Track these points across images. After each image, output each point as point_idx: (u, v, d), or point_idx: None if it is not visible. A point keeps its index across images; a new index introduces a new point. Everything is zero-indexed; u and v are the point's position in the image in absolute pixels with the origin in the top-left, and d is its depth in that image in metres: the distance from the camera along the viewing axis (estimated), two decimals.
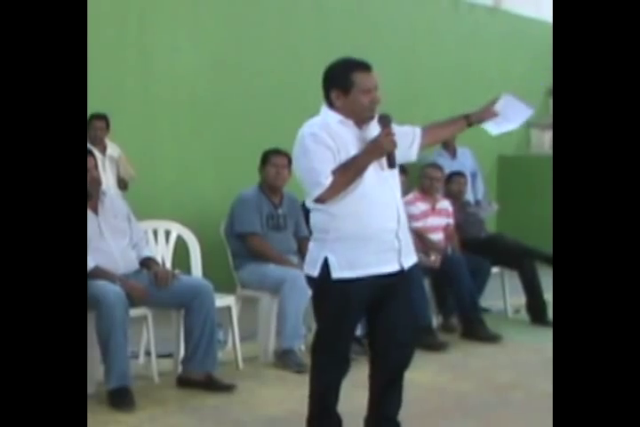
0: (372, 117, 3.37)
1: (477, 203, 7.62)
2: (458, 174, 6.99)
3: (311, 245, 3.43)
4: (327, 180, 3.24)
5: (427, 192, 6.32)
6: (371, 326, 3.52)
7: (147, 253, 4.66)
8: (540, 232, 9.48)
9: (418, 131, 3.54)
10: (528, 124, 10.45)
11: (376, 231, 3.31)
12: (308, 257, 3.43)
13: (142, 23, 6.75)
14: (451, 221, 6.42)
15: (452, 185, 6.83)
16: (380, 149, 3.29)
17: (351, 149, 3.30)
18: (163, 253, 5.08)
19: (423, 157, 8.43)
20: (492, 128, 3.58)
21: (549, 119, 10.61)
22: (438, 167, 6.51)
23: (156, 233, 5.11)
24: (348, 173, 3.26)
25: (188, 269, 5.07)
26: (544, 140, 10.63)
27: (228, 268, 5.36)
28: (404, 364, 3.49)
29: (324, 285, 3.38)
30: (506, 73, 9.96)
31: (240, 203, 5.33)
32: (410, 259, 3.45)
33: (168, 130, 6.92)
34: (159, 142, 6.90)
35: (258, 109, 7.15)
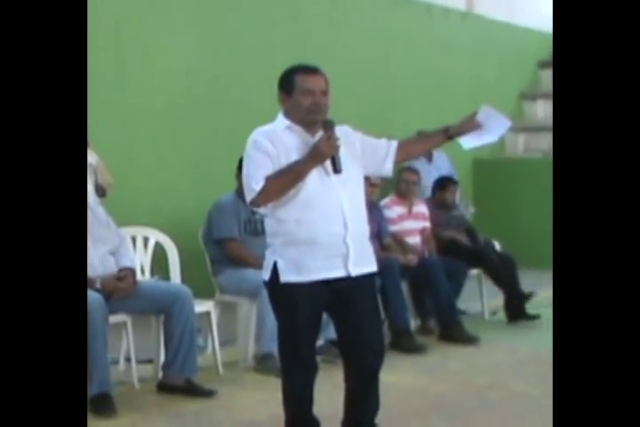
0: (316, 121, 3.36)
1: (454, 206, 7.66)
2: (449, 180, 6.92)
3: (267, 250, 3.48)
4: (258, 185, 3.29)
5: (403, 196, 6.37)
6: (338, 331, 3.53)
7: (126, 262, 4.64)
8: (516, 234, 9.58)
9: (394, 145, 3.53)
10: None
11: (321, 236, 3.32)
12: (264, 262, 3.48)
13: (118, 33, 6.75)
14: (427, 224, 6.47)
15: (447, 194, 6.77)
16: (320, 154, 3.27)
17: (294, 155, 3.32)
18: (141, 260, 5.10)
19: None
20: (468, 141, 3.51)
21: (523, 123, 10.71)
22: (415, 171, 6.56)
23: (134, 240, 5.13)
24: (284, 178, 3.29)
25: (166, 276, 5.09)
26: (518, 144, 10.72)
27: (207, 273, 5.38)
28: (374, 368, 3.47)
29: (274, 289, 3.43)
30: (479, 77, 10.04)
31: (217, 209, 5.35)
32: (362, 267, 3.41)
33: (145, 137, 6.93)
34: (137, 150, 6.91)
35: (234, 116, 7.18)
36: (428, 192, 7.48)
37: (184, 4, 7.19)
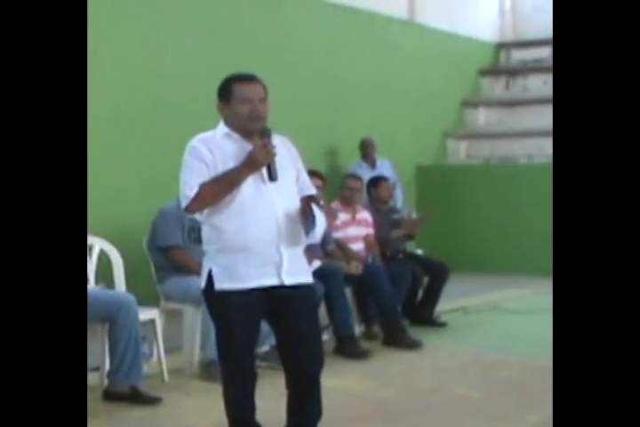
0: (255, 129, 3.37)
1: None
2: (381, 179, 7.06)
3: (204, 257, 3.50)
4: (192, 192, 3.31)
5: (347, 203, 6.43)
6: (278, 339, 3.55)
7: None
8: (457, 240, 9.74)
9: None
10: (444, 135, 10.70)
11: (254, 244, 3.33)
12: (203, 269, 3.50)
13: None
14: (371, 230, 6.55)
15: (381, 190, 6.88)
16: (255, 162, 3.29)
17: (231, 162, 3.33)
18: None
19: (343, 167, 8.62)
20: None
21: (465, 130, 10.88)
22: (358, 178, 6.64)
23: None
24: (219, 185, 3.31)
25: (111, 284, 5.08)
26: (460, 151, 10.88)
27: (152, 281, 5.39)
28: (314, 374, 3.48)
29: (209, 296, 3.44)
30: (422, 85, 10.18)
31: (161, 216, 5.36)
32: (296, 277, 3.41)
33: (90, 144, 6.88)
34: None
35: (179, 123, 7.16)
36: None
37: (130, 8, 7.16)
